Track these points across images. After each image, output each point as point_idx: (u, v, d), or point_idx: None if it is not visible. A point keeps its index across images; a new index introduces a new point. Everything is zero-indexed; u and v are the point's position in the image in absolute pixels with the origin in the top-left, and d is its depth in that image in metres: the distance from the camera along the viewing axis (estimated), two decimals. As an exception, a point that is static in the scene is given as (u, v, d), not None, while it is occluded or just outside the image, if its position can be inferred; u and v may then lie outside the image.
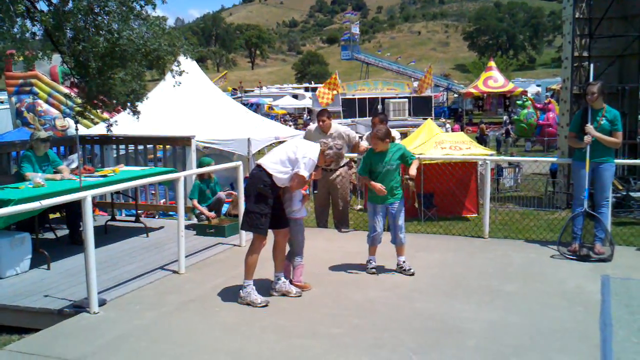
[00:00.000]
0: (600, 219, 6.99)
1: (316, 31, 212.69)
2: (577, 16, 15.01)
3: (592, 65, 8.42)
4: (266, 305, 5.48)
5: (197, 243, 7.90)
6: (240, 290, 5.62)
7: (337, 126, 9.11)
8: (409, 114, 37.29)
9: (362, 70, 73.71)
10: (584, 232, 7.12)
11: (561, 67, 16.90)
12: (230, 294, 5.82)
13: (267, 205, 5.51)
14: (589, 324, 4.95)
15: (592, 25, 15.09)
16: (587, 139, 6.89)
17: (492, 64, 46.72)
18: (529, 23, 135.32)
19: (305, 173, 5.53)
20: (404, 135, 23.27)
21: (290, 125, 37.75)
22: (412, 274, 6.35)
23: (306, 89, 69.93)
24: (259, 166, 5.62)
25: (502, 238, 8.59)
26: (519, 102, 34.07)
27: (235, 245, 7.77)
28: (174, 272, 6.61)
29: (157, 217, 10.94)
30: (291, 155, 5.56)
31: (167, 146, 10.35)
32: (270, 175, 5.52)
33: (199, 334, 4.87)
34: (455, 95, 57.18)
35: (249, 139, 14.62)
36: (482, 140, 28.75)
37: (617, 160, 8.09)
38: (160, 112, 13.82)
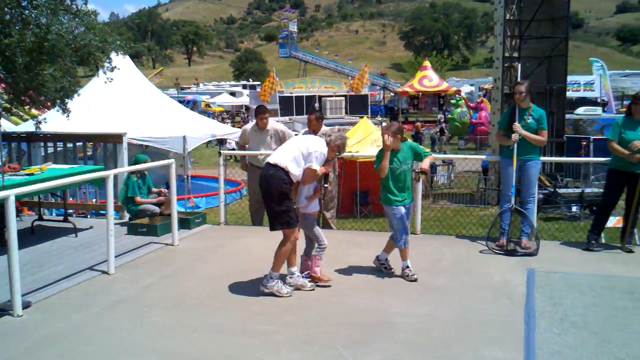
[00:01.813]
0: (527, 214, 7.21)
1: (254, 28, 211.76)
2: (507, 18, 15.45)
3: (519, 66, 8.67)
4: (290, 296, 5.60)
5: (128, 242, 7.73)
6: (265, 280, 5.71)
7: (274, 123, 9.10)
8: (346, 112, 37.59)
9: (300, 68, 73.77)
10: (511, 228, 7.33)
11: (493, 67, 17.39)
12: (161, 294, 5.73)
13: (290, 201, 5.66)
14: (514, 315, 5.09)
15: (522, 27, 15.57)
16: (514, 137, 7.09)
17: (427, 63, 47.61)
18: (463, 24, 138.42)
19: (317, 167, 5.62)
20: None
21: (227, 123, 37.46)
22: (415, 280, 6.09)
23: (244, 87, 69.53)
24: (274, 165, 5.60)
25: (434, 234, 8.76)
26: (452, 101, 34.81)
27: (167, 244, 7.64)
28: (103, 272, 6.44)
29: (89, 216, 10.66)
30: (304, 151, 5.64)
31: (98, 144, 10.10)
32: (287, 173, 5.58)
33: (128, 335, 4.77)
34: (392, 94, 57.93)
35: (184, 137, 14.44)
36: (417, 138, 29.22)
37: (544, 158, 8.37)
38: (92, 109, 13.49)
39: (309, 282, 5.87)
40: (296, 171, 5.60)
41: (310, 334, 4.72)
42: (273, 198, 5.58)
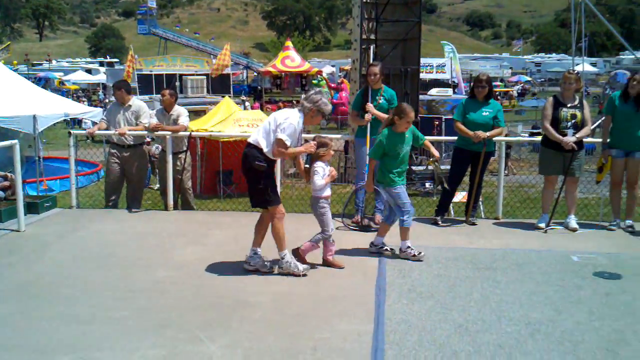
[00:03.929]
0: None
1: (111, 3, 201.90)
2: (364, 0, 15.82)
3: (371, 48, 8.93)
4: (305, 275, 5.58)
5: (-31, 230, 7.19)
6: (279, 262, 5.66)
7: (137, 100, 8.92)
8: (208, 92, 36.99)
9: (160, 45, 71.46)
10: (365, 204, 7.59)
11: (351, 49, 17.78)
12: (5, 284, 5.39)
13: (267, 179, 5.57)
14: (367, 289, 5.30)
15: (378, 10, 16.03)
16: (367, 116, 7.33)
17: (289, 43, 47.83)
18: (324, 5, 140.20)
19: (283, 136, 5.40)
20: (202, 112, 23.05)
21: (83, 102, 35.64)
22: (420, 259, 6.10)
23: (101, 64, 66.40)
24: (249, 144, 5.56)
25: (295, 212, 8.87)
26: (314, 81, 35.31)
27: (13, 230, 7.18)
28: (-62, 263, 5.95)
29: None
30: (272, 124, 5.49)
31: None
32: (261, 150, 5.43)
33: (-34, 330, 4.45)
34: (255, 74, 57.73)
35: (34, 116, 13.54)
36: (280, 118, 29.35)
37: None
38: None
39: (302, 266, 5.72)
40: (267, 147, 5.51)
41: (166, 318, 4.65)
42: (249, 176, 5.59)
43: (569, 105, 7.36)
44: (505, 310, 4.84)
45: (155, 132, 8.43)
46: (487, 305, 4.96)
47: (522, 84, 57.40)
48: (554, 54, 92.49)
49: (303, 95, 5.85)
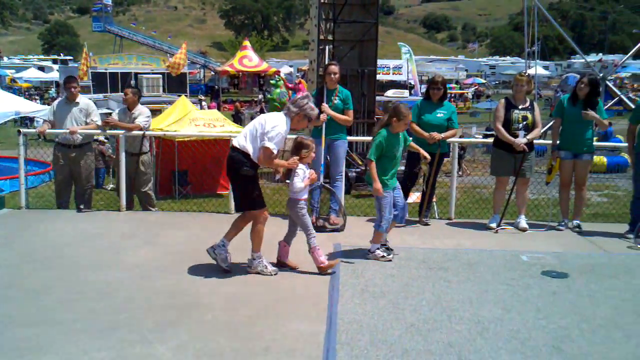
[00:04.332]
0: (335, 191, 7.53)
1: (65, 0, 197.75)
2: (322, 1, 15.85)
3: (327, 48, 8.96)
4: (276, 274, 5.63)
5: None
6: (251, 261, 5.70)
7: (85, 98, 8.78)
8: (164, 91, 36.59)
9: (115, 43, 70.28)
10: (320, 205, 7.60)
11: (309, 49, 17.81)
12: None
13: (253, 183, 5.57)
14: (320, 289, 5.31)
15: (336, 11, 16.08)
16: (322, 117, 7.33)
17: (247, 43, 47.60)
18: (282, 5, 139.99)
19: (270, 145, 5.34)
20: (158, 111, 22.75)
21: (35, 100, 34.86)
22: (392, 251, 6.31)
23: (54, 61, 65.05)
24: (234, 148, 5.50)
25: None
26: (272, 81, 35.08)
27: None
28: None
29: None
30: (259, 129, 5.41)
31: None
32: (247, 155, 5.36)
33: None
34: (212, 73, 57.31)
35: (-20, 114, 13.20)
36: (237, 118, 29.24)
37: (357, 138, 8.76)
38: None
39: (272, 266, 5.75)
40: (253, 152, 5.45)
41: (115, 320, 4.56)
42: (235, 181, 5.62)
43: (520, 107, 7.50)
44: (455, 310, 4.90)
45: (107, 129, 8.30)
46: (438, 304, 5.02)
47: (476, 86, 58.36)
48: (508, 57, 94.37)
49: (290, 100, 5.85)
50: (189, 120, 16.06)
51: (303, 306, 4.94)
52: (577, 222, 7.69)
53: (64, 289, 5.22)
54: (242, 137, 5.57)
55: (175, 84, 38.58)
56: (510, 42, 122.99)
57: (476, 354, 4.13)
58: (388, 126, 6.14)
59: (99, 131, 8.48)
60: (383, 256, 6.17)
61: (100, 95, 33.44)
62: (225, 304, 4.93)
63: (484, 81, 64.45)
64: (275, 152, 5.43)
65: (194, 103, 24.68)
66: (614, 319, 4.81)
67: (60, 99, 8.72)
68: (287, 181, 5.91)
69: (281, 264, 5.89)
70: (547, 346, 4.27)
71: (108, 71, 39.46)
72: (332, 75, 7.49)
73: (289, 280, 5.56)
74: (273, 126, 5.41)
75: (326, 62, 8.01)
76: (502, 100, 7.76)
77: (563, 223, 7.72)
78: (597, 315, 4.88)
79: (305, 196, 5.84)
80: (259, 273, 5.64)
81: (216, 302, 4.96)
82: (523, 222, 7.62)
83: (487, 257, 6.34)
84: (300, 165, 5.73)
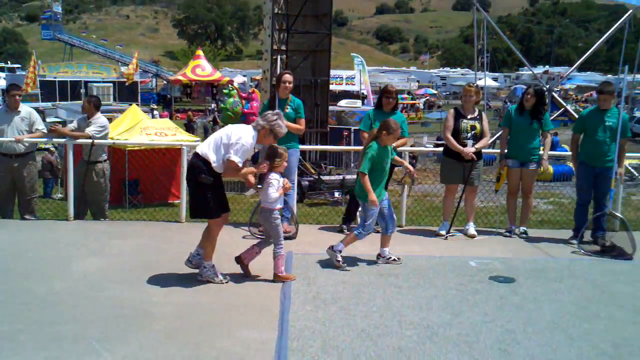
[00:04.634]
0: (287, 200, 7.52)
1: (14, 7, 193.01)
2: (275, 11, 15.90)
3: (278, 58, 9.00)
4: (227, 282, 5.60)
5: None
6: (201, 269, 5.65)
7: (28, 107, 8.55)
8: (114, 99, 36.08)
9: (65, 51, 68.99)
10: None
11: (262, 59, 17.82)
12: None
13: (211, 191, 5.46)
14: (272, 297, 5.30)
15: (290, 21, 16.16)
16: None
17: (200, 52, 47.45)
18: (236, 15, 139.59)
19: (236, 158, 5.27)
20: (109, 120, 22.36)
21: (-22, 109, 33.82)
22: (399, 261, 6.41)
23: (1, 69, 63.44)
24: (196, 154, 5.48)
25: (198, 222, 8.75)
26: (225, 90, 34.95)
27: None
28: None
29: None
30: (225, 140, 5.36)
31: None
32: (208, 163, 5.29)
33: None
34: (164, 82, 56.75)
35: None
36: (190, 127, 29.00)
37: (309, 147, 8.77)
38: None
39: (222, 275, 5.69)
40: (216, 161, 5.38)
41: (61, 331, 4.47)
42: (193, 187, 5.55)
43: (469, 117, 7.66)
44: (406, 315, 4.96)
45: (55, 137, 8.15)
46: (389, 310, 5.07)
47: (428, 97, 59.23)
48: (458, 69, 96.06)
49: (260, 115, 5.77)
50: (140, 129, 15.86)
51: (254, 314, 4.93)
52: (524, 228, 7.88)
53: (8, 300, 5.08)
54: (205, 145, 5.55)
55: (126, 92, 38.08)
56: (460, 54, 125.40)
57: (425, 357, 4.20)
58: (377, 139, 6.24)
59: (45, 139, 8.30)
60: (339, 261, 6.22)
61: (49, 104, 32.75)
62: (175, 313, 4.88)
63: (435, 92, 65.45)
64: (240, 164, 5.40)
65: (145, 112, 24.38)
66: (558, 321, 4.95)
67: (1, 107, 8.51)
68: (260, 186, 5.91)
69: (240, 263, 5.87)
70: (494, 349, 4.37)
71: (57, 79, 38.67)
72: (287, 84, 7.52)
73: (240, 288, 5.54)
74: (238, 138, 5.38)
75: (283, 71, 8.01)
76: (452, 110, 7.92)
77: (510, 230, 7.89)
78: (542, 318, 5.01)
79: (280, 205, 5.83)
80: (209, 281, 5.60)
81: (166, 312, 4.91)
82: (472, 229, 7.77)
83: (436, 263, 6.44)
84: (275, 175, 5.73)
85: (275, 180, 5.70)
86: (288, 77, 7.58)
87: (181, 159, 8.33)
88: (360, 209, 6.65)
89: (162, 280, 5.66)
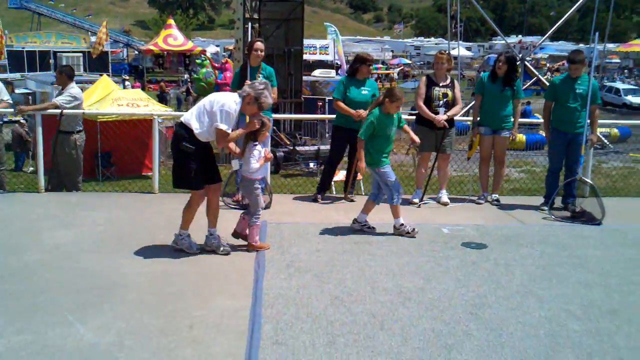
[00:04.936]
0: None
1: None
2: (247, -22, 15.71)
3: (249, 26, 8.90)
4: (199, 254, 5.53)
5: None
6: (175, 237, 5.61)
7: None
8: (85, 70, 35.44)
9: (33, 21, 67.29)
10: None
11: (235, 28, 17.62)
12: None
13: (193, 161, 5.37)
14: (246, 266, 5.32)
15: (261, -11, 15.97)
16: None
17: (171, 21, 46.62)
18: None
19: (223, 126, 5.20)
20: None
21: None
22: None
23: (-36, 40, 61.73)
24: (180, 123, 5.42)
25: (173, 192, 8.70)
26: (198, 61, 34.58)
27: None
28: None
29: None
30: (208, 107, 5.26)
31: None
32: (190, 130, 5.19)
33: None
34: (136, 52, 55.84)
35: None
36: (162, 98, 28.66)
37: (283, 115, 8.72)
38: None
39: (195, 246, 5.66)
40: (198, 129, 5.28)
41: (34, 302, 4.44)
42: (176, 156, 5.46)
43: (441, 84, 7.68)
44: (379, 281, 5.02)
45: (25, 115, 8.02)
46: (362, 277, 5.12)
47: (402, 67, 59.15)
48: (432, 38, 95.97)
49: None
50: (112, 100, 15.66)
51: (229, 282, 4.95)
52: (496, 196, 7.98)
53: (-21, 272, 5.03)
54: (189, 113, 5.48)
55: (96, 63, 37.37)
56: (434, 23, 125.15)
57: (398, 322, 4.26)
58: (381, 106, 6.22)
59: (11, 110, 8.17)
60: (408, 232, 6.28)
61: (17, 75, 32.12)
62: (149, 283, 4.88)
63: (409, 62, 65.38)
64: (229, 131, 5.33)
65: (117, 83, 24.01)
66: (528, 285, 5.05)
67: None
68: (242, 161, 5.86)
69: (239, 237, 5.89)
70: (466, 313, 4.44)
71: (25, 50, 37.81)
72: (259, 52, 7.43)
73: (214, 257, 5.54)
74: (221, 105, 5.27)
75: (255, 39, 7.89)
76: (424, 78, 7.93)
77: (483, 197, 7.98)
78: (512, 282, 5.10)
79: (261, 176, 5.84)
80: (182, 250, 5.59)
81: (140, 282, 4.90)
82: (444, 196, 7.84)
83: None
84: (257, 145, 5.71)
85: (257, 151, 5.70)
86: (259, 44, 7.49)
87: (153, 130, 8.23)
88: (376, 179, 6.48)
89: (136, 250, 5.64)
